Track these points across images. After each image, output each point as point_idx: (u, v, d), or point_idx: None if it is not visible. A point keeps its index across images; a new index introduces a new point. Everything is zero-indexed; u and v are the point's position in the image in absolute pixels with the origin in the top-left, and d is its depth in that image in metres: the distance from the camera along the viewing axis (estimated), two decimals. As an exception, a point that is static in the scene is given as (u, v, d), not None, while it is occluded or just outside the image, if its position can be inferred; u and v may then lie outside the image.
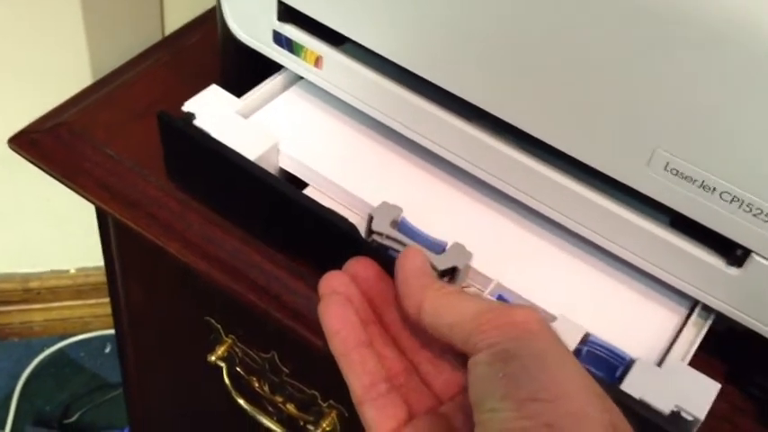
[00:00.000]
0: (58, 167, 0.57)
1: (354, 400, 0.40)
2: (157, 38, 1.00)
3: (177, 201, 0.56)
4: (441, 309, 0.37)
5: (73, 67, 1.02)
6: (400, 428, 0.39)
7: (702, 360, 0.48)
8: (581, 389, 0.33)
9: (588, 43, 0.41)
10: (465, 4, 0.44)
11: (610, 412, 0.33)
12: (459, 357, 0.39)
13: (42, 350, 1.42)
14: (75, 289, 1.42)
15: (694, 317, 0.48)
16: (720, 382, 0.49)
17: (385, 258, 0.46)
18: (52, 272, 1.39)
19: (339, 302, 0.41)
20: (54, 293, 1.42)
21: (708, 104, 0.39)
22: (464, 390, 0.39)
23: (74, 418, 1.37)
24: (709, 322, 0.48)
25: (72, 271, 1.40)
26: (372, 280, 0.43)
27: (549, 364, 0.33)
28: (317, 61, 0.53)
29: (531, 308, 0.36)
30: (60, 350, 1.44)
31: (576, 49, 0.41)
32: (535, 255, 0.51)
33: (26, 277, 1.39)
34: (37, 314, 1.45)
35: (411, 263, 0.40)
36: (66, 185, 0.57)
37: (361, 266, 0.43)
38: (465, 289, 0.50)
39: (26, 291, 1.41)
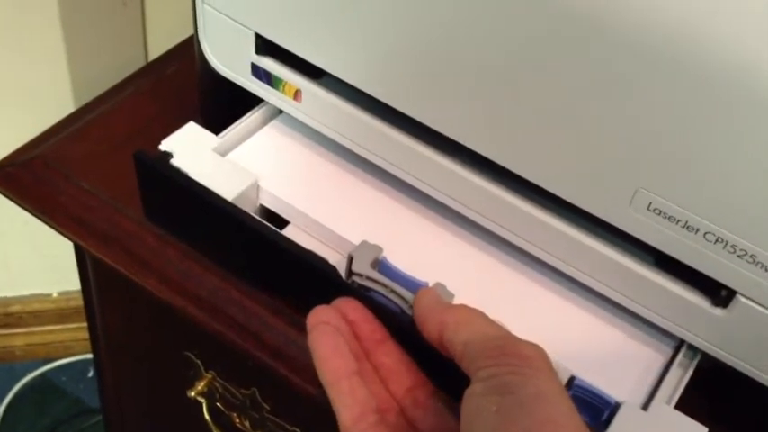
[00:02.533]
0: (33, 202, 0.56)
1: (342, 431, 0.39)
2: (140, 63, 1.00)
3: (155, 236, 0.55)
4: (461, 325, 0.38)
5: (54, 93, 1.01)
6: None
7: (689, 399, 0.47)
8: (573, 430, 0.33)
9: (570, 85, 0.40)
10: (443, 41, 0.43)
11: None
12: (447, 403, 0.39)
13: (24, 375, 1.40)
14: (58, 313, 1.41)
15: (680, 357, 0.47)
16: (707, 423, 0.48)
17: (366, 299, 0.46)
18: (34, 296, 1.38)
19: (329, 332, 0.41)
20: (36, 317, 1.41)
21: (690, 145, 0.38)
22: None
23: (55, 444, 1.36)
24: (696, 362, 0.47)
25: (54, 295, 1.39)
26: (360, 322, 0.42)
27: (543, 404, 0.33)
28: (296, 94, 0.52)
29: (539, 346, 0.36)
30: (42, 375, 1.42)
31: (558, 90, 0.41)
32: (519, 294, 0.50)
33: (7, 301, 1.38)
34: (19, 338, 1.44)
35: (430, 294, 0.41)
36: (41, 220, 0.56)
37: (349, 307, 0.42)
38: None
39: (7, 315, 1.39)
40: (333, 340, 0.40)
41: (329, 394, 0.40)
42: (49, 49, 0.97)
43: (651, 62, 0.37)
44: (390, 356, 0.43)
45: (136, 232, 0.55)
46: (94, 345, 0.74)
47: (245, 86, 0.54)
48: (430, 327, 0.40)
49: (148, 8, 1.01)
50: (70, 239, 0.56)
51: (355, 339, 0.42)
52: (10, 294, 1.37)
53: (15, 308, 1.39)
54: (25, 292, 1.37)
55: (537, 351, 0.36)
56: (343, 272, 0.49)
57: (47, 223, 0.56)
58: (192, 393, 0.64)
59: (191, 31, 0.56)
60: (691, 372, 0.47)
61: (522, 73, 0.41)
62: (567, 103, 0.41)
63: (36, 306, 1.39)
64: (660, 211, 0.41)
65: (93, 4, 0.96)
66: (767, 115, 0.36)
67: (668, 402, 0.45)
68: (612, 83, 0.39)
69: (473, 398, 0.35)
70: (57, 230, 0.55)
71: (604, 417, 0.44)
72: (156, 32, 1.03)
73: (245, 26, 0.51)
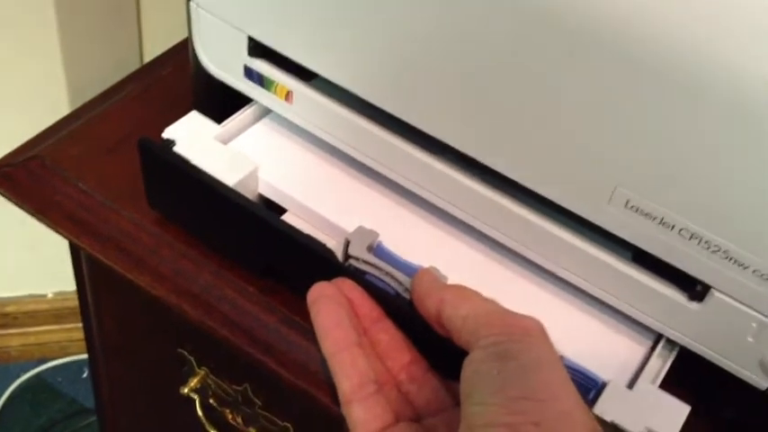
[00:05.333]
0: (30, 201, 0.58)
1: (342, 400, 0.41)
2: (136, 65, 1.01)
3: (149, 234, 0.56)
4: (459, 301, 0.41)
5: (50, 95, 1.02)
6: (385, 430, 0.39)
7: (674, 384, 0.49)
8: (570, 394, 0.35)
9: (552, 86, 0.41)
10: (427, 43, 0.44)
11: (594, 421, 0.34)
12: (441, 380, 0.40)
13: (19, 375, 1.41)
14: (53, 313, 1.42)
15: (659, 348, 0.48)
16: (692, 406, 0.50)
17: (362, 282, 0.47)
18: (29, 296, 1.39)
19: (331, 304, 0.43)
20: (31, 318, 1.41)
21: (665, 146, 0.40)
22: (445, 409, 0.40)
23: (49, 444, 1.36)
24: (675, 353, 0.49)
25: (49, 295, 1.40)
26: (357, 300, 0.44)
27: (543, 369, 0.35)
28: (288, 96, 0.54)
29: (538, 320, 0.38)
30: (37, 375, 1.43)
31: (540, 92, 0.42)
32: (509, 283, 0.52)
33: (3, 302, 1.38)
34: (14, 339, 1.44)
35: (429, 274, 0.44)
36: (37, 219, 0.57)
37: (347, 286, 0.44)
38: None
39: (3, 315, 1.40)
40: (335, 312, 0.42)
41: (330, 365, 0.42)
42: (45, 50, 0.98)
43: (629, 66, 0.39)
44: (387, 333, 0.45)
45: (131, 231, 0.56)
46: (89, 344, 0.75)
47: (237, 88, 0.56)
48: (429, 304, 0.41)
49: (144, 10, 1.02)
50: (66, 238, 0.57)
51: (354, 316, 0.43)
52: (5, 295, 1.38)
53: (10, 308, 1.40)
54: (20, 293, 1.38)
55: (536, 323, 0.38)
56: (340, 255, 0.50)
57: (44, 222, 0.57)
58: (186, 390, 0.65)
59: (185, 34, 0.57)
60: (673, 356, 0.48)
61: (505, 75, 0.43)
62: (549, 104, 0.42)
63: (31, 306, 1.40)
64: (637, 209, 0.43)
65: (89, 6, 0.97)
66: (738, 116, 0.37)
67: (652, 382, 0.47)
68: (592, 86, 0.40)
69: (474, 363, 0.37)
70: (54, 230, 0.57)
71: (591, 395, 0.46)
72: (152, 35, 1.04)
73: (238, 29, 0.52)
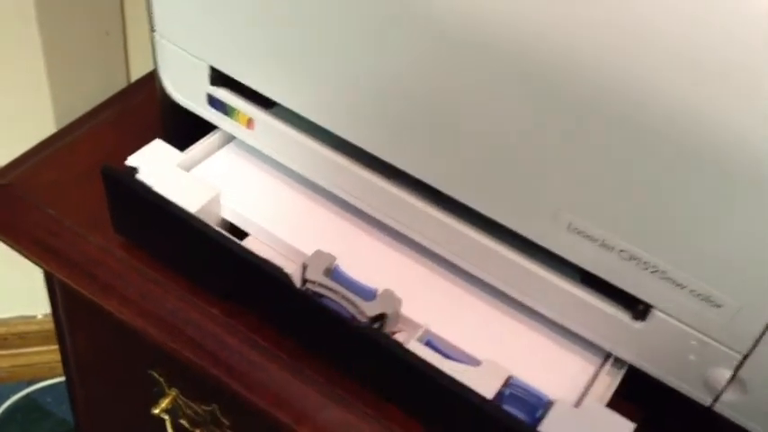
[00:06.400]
0: (1, 228, 0.59)
1: None
2: (123, 85, 1.02)
3: (116, 260, 0.58)
4: None
5: (37, 121, 1.03)
6: None
7: (624, 405, 0.50)
8: None
9: (499, 116, 0.43)
10: (380, 73, 0.46)
11: None
12: None
13: (9, 396, 1.42)
14: (43, 335, 1.42)
15: (608, 366, 0.50)
16: (639, 426, 0.51)
17: (318, 306, 0.48)
18: (19, 317, 1.39)
19: None
20: (21, 339, 1.42)
21: (603, 172, 0.41)
22: None
23: (40, 465, 1.37)
24: (623, 371, 0.50)
25: (39, 316, 1.40)
26: None
27: None
28: (249, 123, 0.55)
29: None
30: (27, 396, 1.43)
31: (487, 120, 0.44)
32: (463, 305, 0.53)
33: (-7, 324, 1.40)
34: (4, 360, 1.45)
35: None
36: (7, 245, 0.59)
37: None
38: (395, 335, 0.51)
39: (-7, 337, 1.41)
40: None
41: None
42: (31, 76, 1.00)
43: (565, 99, 0.40)
44: None
45: (98, 257, 0.58)
46: (65, 364, 0.77)
47: (201, 115, 0.57)
48: None
49: (130, 36, 1.03)
50: (35, 263, 0.58)
51: None
52: (-5, 317, 1.39)
53: (1, 330, 1.40)
54: (10, 314, 1.39)
55: None
56: (298, 279, 0.51)
57: (12, 247, 0.58)
58: (157, 410, 0.66)
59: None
60: (620, 378, 0.50)
61: (451, 108, 0.44)
62: (494, 133, 0.44)
63: (21, 328, 1.40)
64: (579, 231, 0.44)
65: (76, 33, 0.99)
66: (671, 145, 0.38)
67: (599, 400, 0.48)
68: (534, 120, 0.42)
69: None
70: (22, 255, 0.58)
71: (539, 413, 0.47)
72: (139, 60, 1.06)
73: (199, 59, 0.54)
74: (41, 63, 0.99)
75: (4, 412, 1.40)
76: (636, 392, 0.51)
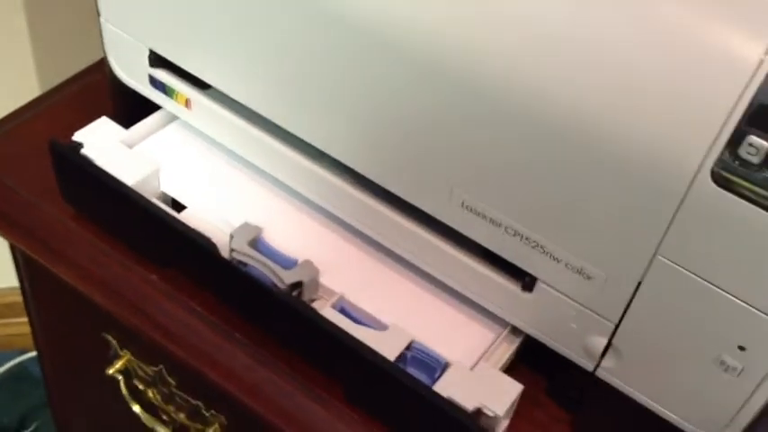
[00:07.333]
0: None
1: None
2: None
3: (66, 228, 0.62)
4: None
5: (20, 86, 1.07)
6: None
7: (527, 376, 0.54)
8: None
9: (398, 103, 0.47)
10: (291, 53, 0.50)
11: None
12: None
13: (2, 364, 1.46)
14: (34, 305, 1.46)
15: (504, 334, 0.54)
16: (542, 395, 0.55)
17: (241, 273, 0.52)
18: (9, 288, 1.43)
19: None
20: (12, 309, 1.46)
21: (488, 155, 0.45)
22: None
23: (30, 429, 1.41)
24: (520, 339, 0.54)
25: (28, 287, 1.44)
26: None
27: None
28: (187, 103, 0.59)
29: None
30: (19, 364, 1.48)
31: (391, 105, 0.47)
32: (377, 275, 0.57)
33: (-16, 294, 1.44)
34: (-3, 329, 1.49)
35: None
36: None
37: None
38: (313, 303, 0.55)
39: (-16, 307, 1.45)
40: None
41: None
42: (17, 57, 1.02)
43: (456, 89, 0.44)
44: None
45: (50, 225, 0.62)
46: (34, 338, 0.81)
47: (145, 94, 0.61)
48: None
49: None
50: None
51: None
52: (-14, 287, 1.43)
53: (-8, 300, 1.45)
54: (2, 285, 1.43)
55: None
56: (226, 249, 0.55)
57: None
58: (111, 371, 0.70)
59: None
60: (516, 345, 0.54)
61: (365, 95, 0.48)
62: (400, 117, 0.47)
63: (12, 298, 1.45)
64: (471, 208, 0.48)
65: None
66: (542, 133, 0.42)
67: (494, 366, 0.52)
68: (433, 107, 0.45)
69: None
70: (-21, 223, 0.62)
71: (437, 374, 0.51)
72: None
73: (139, 42, 0.58)
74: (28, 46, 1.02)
75: (-4, 380, 1.45)
76: (540, 361, 0.55)
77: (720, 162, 0.37)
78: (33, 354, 1.47)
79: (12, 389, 1.46)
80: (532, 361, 0.56)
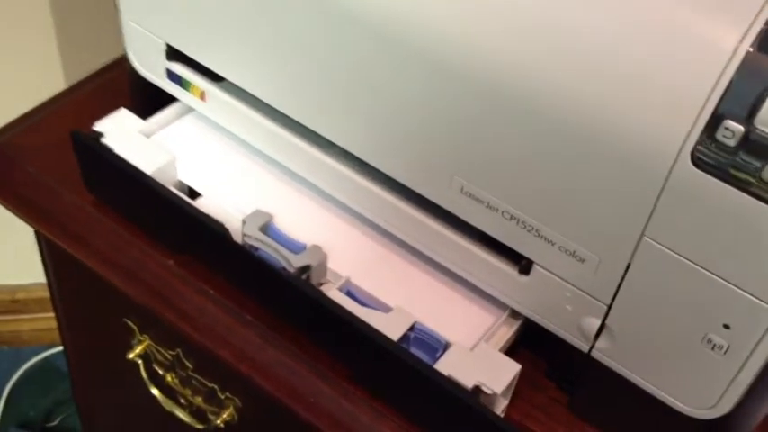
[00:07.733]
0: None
1: None
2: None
3: (87, 214, 0.65)
4: None
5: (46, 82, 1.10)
6: None
7: (529, 361, 0.56)
8: None
9: (402, 95, 0.49)
10: (308, 50, 0.52)
11: None
12: None
13: (30, 358, 1.49)
14: (62, 300, 1.49)
15: (504, 317, 0.56)
16: (542, 379, 0.57)
17: (253, 257, 0.54)
18: (39, 284, 1.47)
19: None
20: (40, 304, 1.49)
21: (488, 145, 0.47)
22: None
23: (55, 422, 1.44)
24: (520, 322, 0.56)
25: (56, 283, 1.47)
26: None
27: None
28: (203, 95, 0.62)
29: None
30: (46, 358, 1.51)
31: (395, 97, 0.49)
32: (382, 260, 0.59)
33: (14, 289, 1.47)
34: (25, 324, 1.52)
35: None
36: (-6, 198, 0.66)
37: None
38: (321, 286, 0.58)
39: (14, 302, 1.48)
40: None
41: None
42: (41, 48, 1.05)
43: (458, 82, 0.46)
44: None
45: (71, 211, 0.65)
46: (60, 330, 0.84)
47: (162, 87, 0.64)
48: None
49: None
50: (12, 212, 0.66)
51: None
52: (16, 282, 1.46)
53: (21, 295, 1.48)
54: (29, 281, 1.46)
55: None
56: (238, 234, 0.58)
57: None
58: (131, 355, 0.73)
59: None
60: (517, 326, 0.55)
61: (372, 87, 0.50)
62: (404, 108, 0.50)
63: (40, 294, 1.48)
64: (470, 194, 0.50)
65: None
66: (536, 123, 0.44)
67: (494, 347, 0.54)
68: (436, 99, 0.47)
69: None
70: (5, 206, 0.65)
71: (438, 354, 0.53)
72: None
73: (157, 37, 0.60)
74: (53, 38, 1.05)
75: (24, 372, 1.47)
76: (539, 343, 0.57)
77: (699, 145, 0.39)
78: (60, 348, 1.50)
79: (39, 383, 1.49)
80: (534, 347, 0.58)
